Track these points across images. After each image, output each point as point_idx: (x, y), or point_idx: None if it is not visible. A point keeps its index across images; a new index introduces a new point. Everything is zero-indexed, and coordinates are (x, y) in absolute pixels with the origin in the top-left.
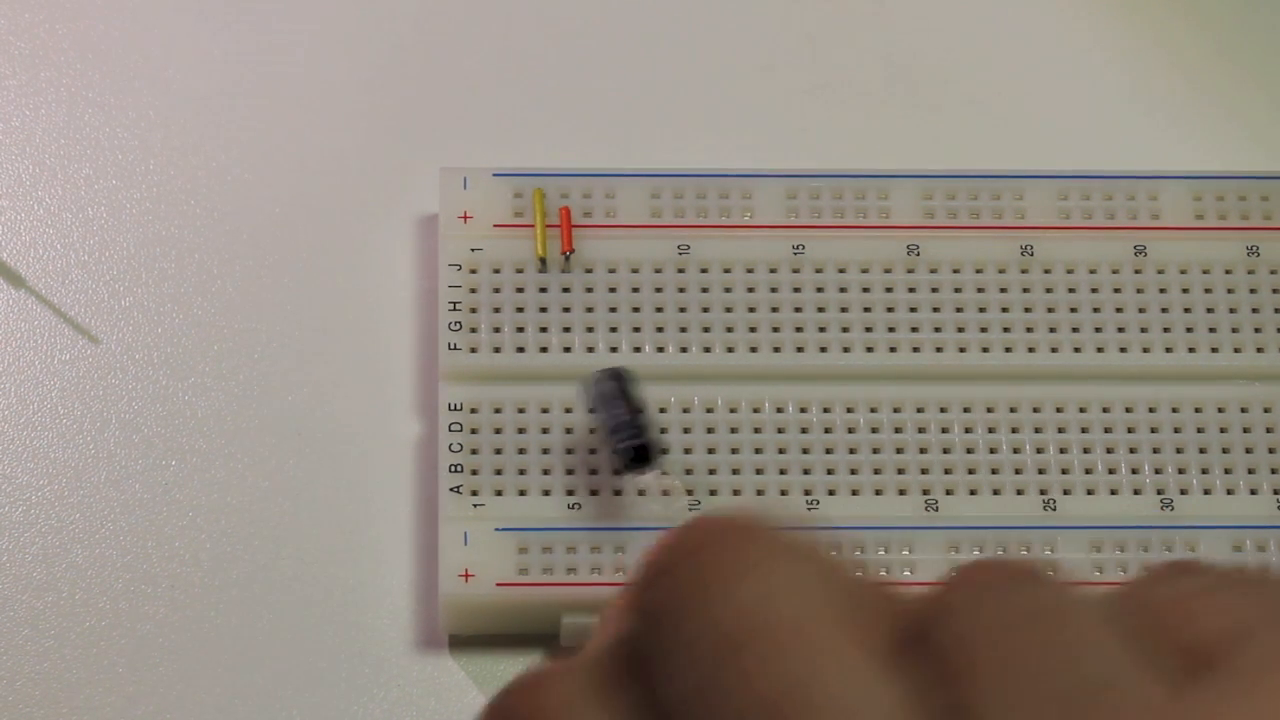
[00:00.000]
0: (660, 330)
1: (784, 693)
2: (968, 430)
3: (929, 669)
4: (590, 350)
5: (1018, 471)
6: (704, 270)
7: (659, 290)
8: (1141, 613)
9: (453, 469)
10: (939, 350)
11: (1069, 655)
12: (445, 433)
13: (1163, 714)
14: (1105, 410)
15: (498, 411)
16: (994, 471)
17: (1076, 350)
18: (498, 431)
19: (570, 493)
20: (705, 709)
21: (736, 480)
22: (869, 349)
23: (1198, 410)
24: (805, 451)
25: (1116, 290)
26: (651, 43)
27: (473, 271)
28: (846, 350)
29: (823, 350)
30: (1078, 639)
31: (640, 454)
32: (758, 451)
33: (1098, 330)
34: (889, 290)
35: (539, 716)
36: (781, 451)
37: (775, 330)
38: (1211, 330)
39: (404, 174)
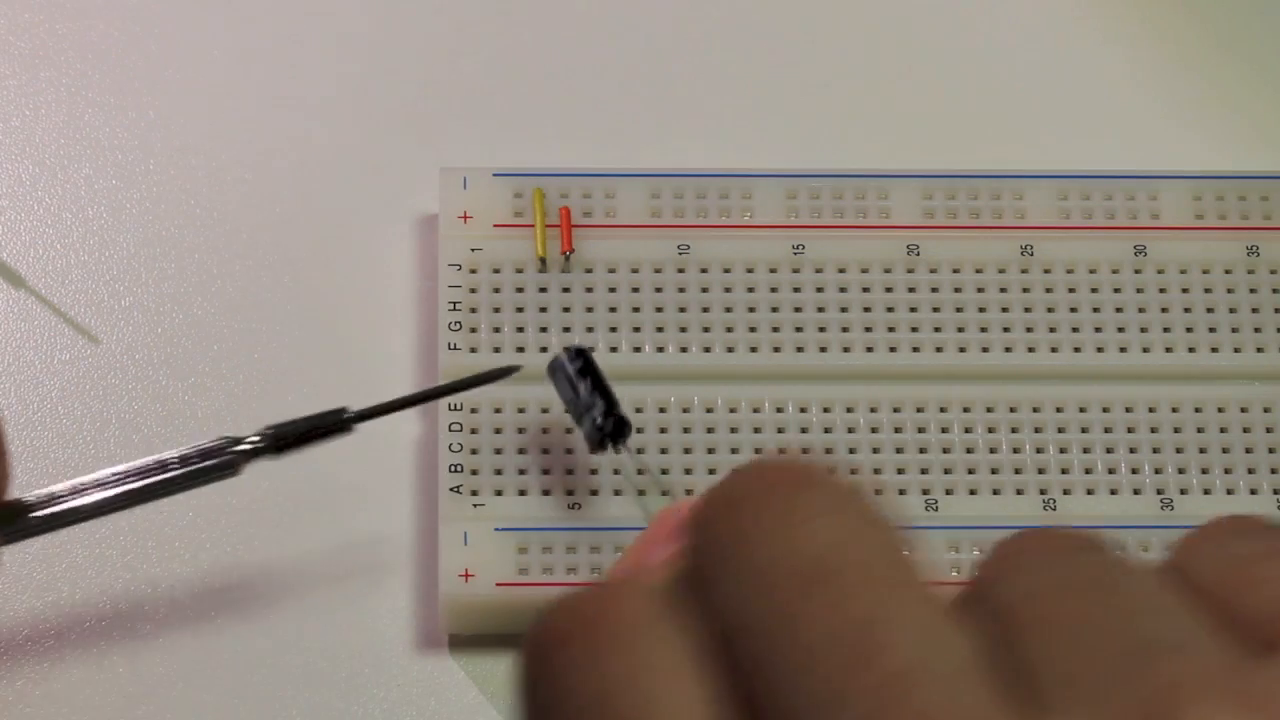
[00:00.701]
0: (660, 330)
1: (859, 628)
2: (968, 430)
3: (990, 628)
4: (590, 350)
5: (1018, 471)
6: (704, 270)
7: (659, 290)
8: (1200, 579)
9: (453, 469)
10: (939, 350)
11: (1132, 618)
12: (445, 433)
13: (1224, 682)
14: (1105, 410)
15: (498, 411)
16: (994, 471)
17: (1076, 350)
18: (498, 431)
19: (570, 493)
20: (771, 637)
21: None
22: (869, 349)
23: (1198, 410)
24: (804, 452)
25: (1116, 290)
26: (651, 43)
27: (473, 271)
28: (846, 350)
29: (823, 350)
30: (1141, 603)
31: (618, 429)
32: (758, 452)
33: (1098, 330)
34: (889, 290)
35: (613, 628)
36: (781, 452)
37: (775, 330)
38: (1211, 330)
39: (404, 174)
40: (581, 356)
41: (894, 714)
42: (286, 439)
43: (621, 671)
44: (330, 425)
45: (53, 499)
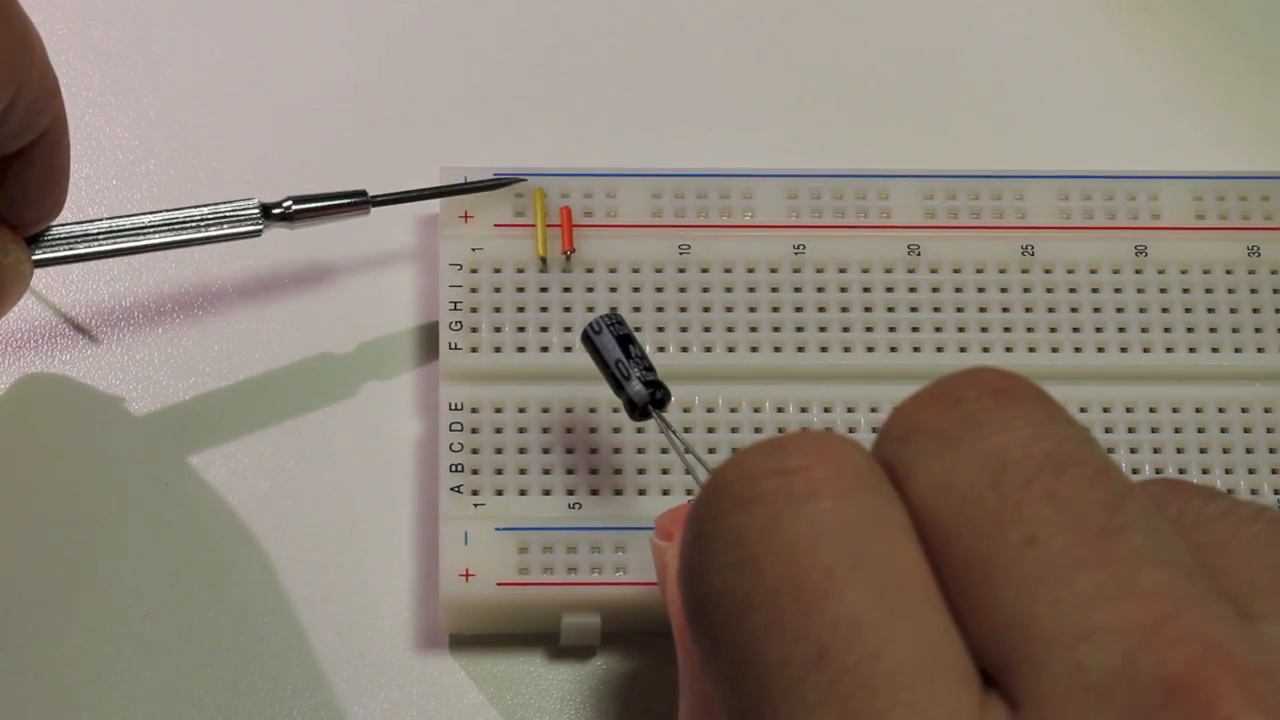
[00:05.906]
0: (661, 330)
1: (1101, 510)
2: None
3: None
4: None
5: None
6: (704, 270)
7: (659, 290)
8: None
9: (453, 469)
10: (939, 350)
11: None
12: (445, 433)
13: None
14: (1105, 410)
15: (498, 411)
16: None
17: (1077, 350)
18: (498, 431)
19: (570, 493)
20: (998, 515)
21: None
22: (869, 349)
23: (1198, 410)
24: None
25: (1117, 290)
26: (651, 43)
27: (473, 271)
28: (847, 350)
29: (823, 350)
30: None
31: (658, 395)
32: None
33: (1098, 330)
34: (889, 290)
35: (843, 463)
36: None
37: (775, 330)
38: (1212, 330)
39: (404, 174)
40: (622, 322)
41: (1128, 588)
42: (304, 203)
43: (839, 518)
44: (349, 202)
45: (87, 223)
